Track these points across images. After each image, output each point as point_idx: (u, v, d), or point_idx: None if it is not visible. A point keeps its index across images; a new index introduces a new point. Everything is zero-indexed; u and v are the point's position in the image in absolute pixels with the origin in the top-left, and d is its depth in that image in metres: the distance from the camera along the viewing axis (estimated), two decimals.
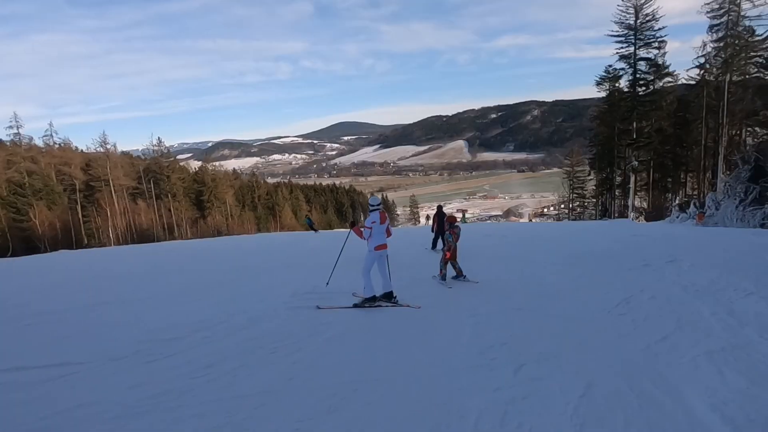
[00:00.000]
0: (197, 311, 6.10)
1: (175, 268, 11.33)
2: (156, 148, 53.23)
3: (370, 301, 6.08)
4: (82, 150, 51.56)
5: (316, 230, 25.66)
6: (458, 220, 8.35)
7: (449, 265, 7.49)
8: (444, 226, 10.46)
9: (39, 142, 48.08)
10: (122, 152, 56.29)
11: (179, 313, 6.04)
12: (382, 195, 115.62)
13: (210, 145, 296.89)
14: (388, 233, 6.29)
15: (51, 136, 49.25)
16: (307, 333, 4.94)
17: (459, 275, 7.46)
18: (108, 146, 49.28)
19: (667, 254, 9.40)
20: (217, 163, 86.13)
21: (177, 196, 51.91)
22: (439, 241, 11.07)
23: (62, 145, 50.55)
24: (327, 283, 7.03)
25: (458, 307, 5.82)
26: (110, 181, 46.73)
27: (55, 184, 44.21)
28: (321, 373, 3.84)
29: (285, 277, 8.60)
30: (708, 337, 4.25)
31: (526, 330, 4.72)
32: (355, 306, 6.05)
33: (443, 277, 7.42)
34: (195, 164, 70.22)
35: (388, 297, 6.21)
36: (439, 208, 11.88)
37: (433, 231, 11.49)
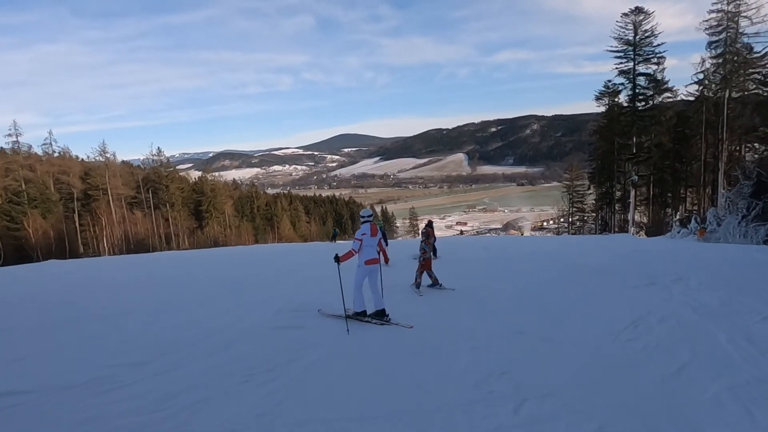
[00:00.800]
0: (171, 330, 5.66)
1: (160, 280, 10.89)
2: (155, 157, 53.06)
3: (360, 316, 5.87)
4: (82, 159, 51.34)
5: (334, 241, 26.69)
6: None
7: (425, 275, 7.82)
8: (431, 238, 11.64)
9: (39, 151, 47.96)
10: (122, 161, 56.24)
11: (150, 332, 5.59)
12: (382, 207, 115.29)
13: (211, 155, 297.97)
14: (381, 247, 5.95)
15: (50, 144, 49.15)
16: (286, 357, 4.51)
17: (435, 284, 7.80)
18: (107, 155, 49.15)
19: (672, 271, 9.00)
20: (216, 174, 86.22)
21: (175, 205, 51.55)
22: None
23: (61, 153, 50.40)
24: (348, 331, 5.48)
25: (455, 328, 5.39)
26: (108, 190, 46.42)
27: (51, 192, 43.85)
28: (296, 408, 3.40)
29: (272, 292, 8.17)
30: (728, 368, 3.83)
31: (528, 357, 4.29)
32: (348, 317, 5.73)
33: (417, 286, 7.74)
34: (195, 174, 70.10)
35: (380, 315, 5.90)
36: (429, 222, 12.92)
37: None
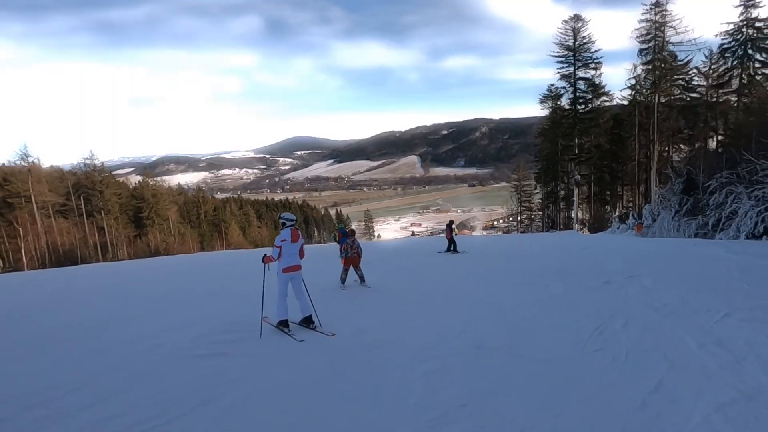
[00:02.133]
0: (57, 368, 4.49)
1: (67, 300, 9.31)
2: (88, 161, 48.11)
3: (282, 325, 5.40)
4: (2, 164, 45.28)
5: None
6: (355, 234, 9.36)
7: (351, 271, 8.30)
8: (449, 235, 14.13)
9: None
10: (51, 166, 50.44)
11: (25, 374, 4.38)
12: (337, 210, 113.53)
13: (154, 159, 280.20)
14: (301, 254, 5.50)
15: None
16: (198, 399, 3.57)
17: (361, 281, 8.35)
18: (30, 159, 43.70)
19: (624, 269, 8.98)
20: (159, 178, 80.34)
21: (112, 212, 47.19)
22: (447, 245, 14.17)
23: None
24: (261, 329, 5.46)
25: (407, 346, 4.69)
26: (32, 198, 41.43)
27: None
28: None
29: (201, 311, 7.07)
30: (709, 381, 3.42)
31: (491, 381, 3.67)
32: (276, 327, 5.42)
33: (342, 281, 8.31)
34: (137, 179, 64.79)
35: (307, 321, 5.52)
36: (451, 222, 15.00)
37: (447, 239, 14.30)
